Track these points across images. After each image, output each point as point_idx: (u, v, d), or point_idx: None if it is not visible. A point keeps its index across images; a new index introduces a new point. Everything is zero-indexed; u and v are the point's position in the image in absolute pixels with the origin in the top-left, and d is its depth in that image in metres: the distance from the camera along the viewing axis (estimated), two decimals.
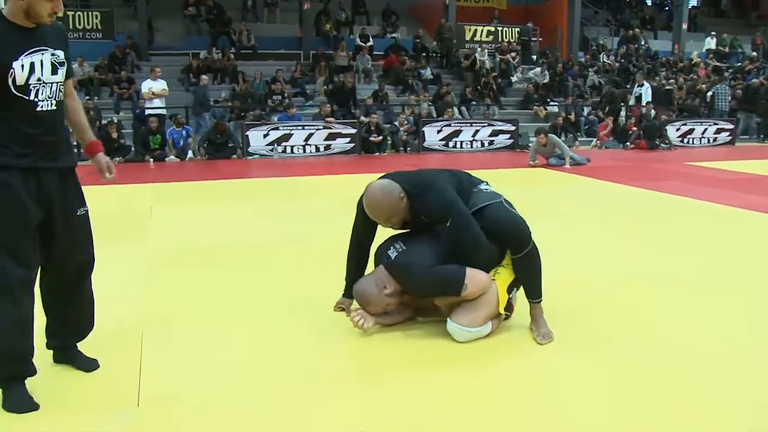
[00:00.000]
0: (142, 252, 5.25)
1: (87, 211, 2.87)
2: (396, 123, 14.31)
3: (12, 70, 2.53)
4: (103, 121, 12.89)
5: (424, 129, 14.15)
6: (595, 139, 15.56)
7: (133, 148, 12.45)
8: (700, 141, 16.30)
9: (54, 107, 2.68)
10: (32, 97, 2.59)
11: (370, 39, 18.77)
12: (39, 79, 2.60)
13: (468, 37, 20.28)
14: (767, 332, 3.51)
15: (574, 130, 15.66)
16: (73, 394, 2.79)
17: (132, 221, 6.52)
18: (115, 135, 12.18)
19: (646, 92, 17.14)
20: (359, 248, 3.72)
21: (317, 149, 13.48)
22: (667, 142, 15.07)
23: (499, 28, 20.94)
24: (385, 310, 3.46)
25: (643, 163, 12.25)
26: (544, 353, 3.25)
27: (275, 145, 13.20)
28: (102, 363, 3.04)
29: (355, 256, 3.74)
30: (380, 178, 3.51)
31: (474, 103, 16.71)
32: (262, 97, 15.35)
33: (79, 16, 16.98)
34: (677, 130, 16.09)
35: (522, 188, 8.90)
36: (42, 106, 2.63)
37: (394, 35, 20.09)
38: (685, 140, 16.13)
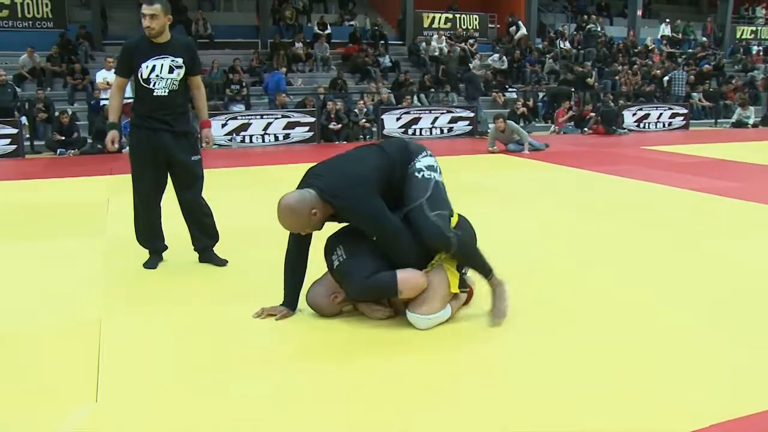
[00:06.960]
0: (100, 244, 5.18)
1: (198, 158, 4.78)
2: (355, 111, 14.26)
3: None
4: (56, 113, 12.56)
5: (383, 117, 14.11)
6: (553, 125, 15.71)
7: (89, 141, 12.17)
8: (656, 126, 16.57)
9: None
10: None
11: (328, 27, 18.66)
12: (157, 75, 4.39)
13: (426, 24, 20.28)
14: (719, 308, 3.61)
15: (531, 116, 15.79)
16: (29, 389, 2.73)
17: (90, 213, 6.40)
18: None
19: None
20: (296, 256, 3.51)
21: (276, 138, 13.36)
22: (623, 127, 15.33)
23: (458, 16, 20.99)
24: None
25: (600, 148, 12.42)
26: (504, 336, 3.29)
27: (234, 134, 13.06)
28: (59, 357, 3.00)
29: (291, 265, 3.53)
30: (302, 178, 3.39)
31: (432, 90, 16.73)
32: (219, 86, 15.15)
33: (27, 4, 16.47)
34: (633, 115, 16.34)
35: (481, 174, 8.98)
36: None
37: (352, 23, 20.00)
38: (641, 125, 16.38)
